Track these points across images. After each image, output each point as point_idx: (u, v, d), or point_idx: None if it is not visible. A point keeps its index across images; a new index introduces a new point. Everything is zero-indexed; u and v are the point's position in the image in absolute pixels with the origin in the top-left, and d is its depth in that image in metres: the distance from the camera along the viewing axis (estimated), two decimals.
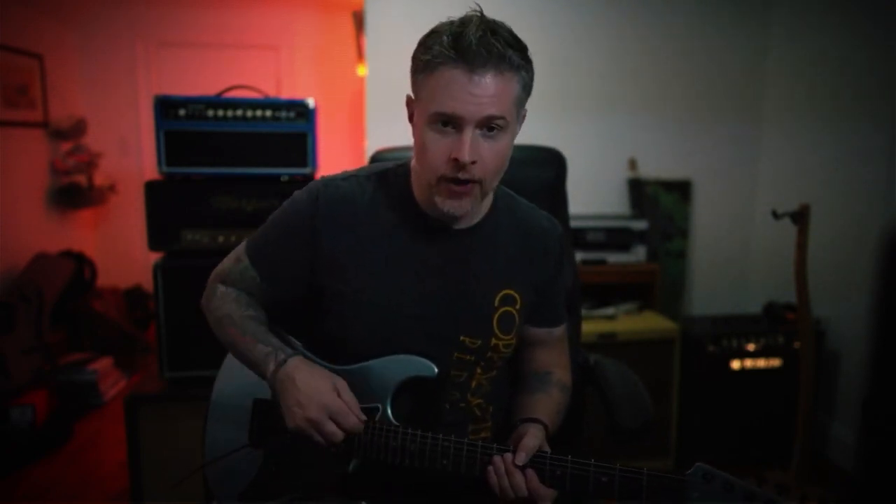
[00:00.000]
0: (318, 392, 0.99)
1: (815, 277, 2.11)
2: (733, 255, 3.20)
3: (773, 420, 2.60)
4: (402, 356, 1.05)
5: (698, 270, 3.20)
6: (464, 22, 0.93)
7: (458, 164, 0.94)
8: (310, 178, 1.98)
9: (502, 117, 0.94)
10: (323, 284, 1.09)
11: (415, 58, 0.97)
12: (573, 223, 1.78)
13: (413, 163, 1.07)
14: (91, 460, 2.68)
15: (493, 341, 1.08)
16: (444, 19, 0.96)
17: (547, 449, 0.99)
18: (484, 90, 0.91)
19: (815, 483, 2.28)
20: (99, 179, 4.03)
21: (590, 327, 2.48)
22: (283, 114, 1.95)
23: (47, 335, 3.14)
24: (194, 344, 1.91)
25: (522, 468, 0.95)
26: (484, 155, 0.95)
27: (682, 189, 3.08)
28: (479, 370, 1.11)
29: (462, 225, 1.08)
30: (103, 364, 3.29)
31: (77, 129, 3.87)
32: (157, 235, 1.93)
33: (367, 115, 2.86)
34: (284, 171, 1.99)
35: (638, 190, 3.02)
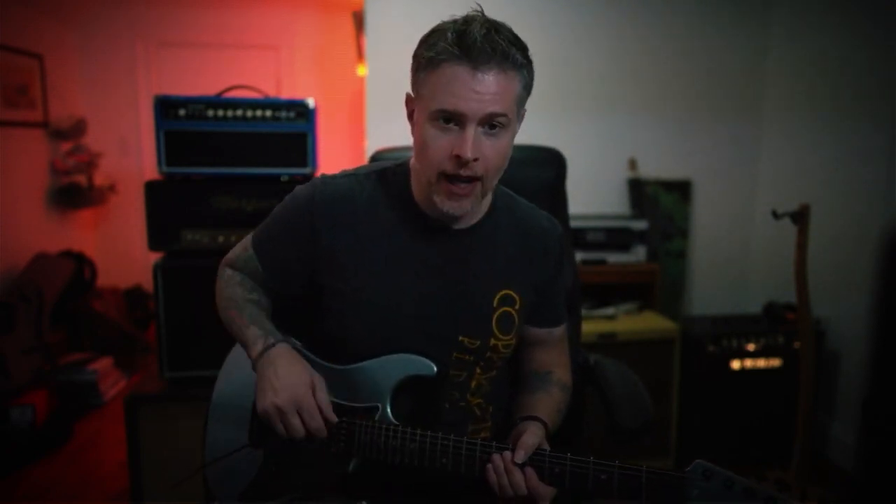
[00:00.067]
0: (293, 384, 1.01)
1: (815, 277, 2.11)
2: (733, 255, 3.20)
3: (773, 420, 2.60)
4: (400, 355, 1.05)
5: (698, 270, 3.20)
6: (467, 20, 0.94)
7: (459, 161, 0.94)
8: (310, 178, 1.97)
9: (504, 115, 0.94)
10: (322, 282, 1.09)
11: (417, 55, 0.97)
12: (573, 223, 1.78)
13: (412, 162, 1.07)
14: (91, 460, 2.68)
15: (493, 341, 1.08)
16: (444, 19, 0.96)
17: (546, 447, 0.99)
18: (487, 87, 0.92)
19: (815, 483, 2.28)
20: (99, 179, 4.03)
21: (590, 327, 2.48)
22: (283, 114, 1.95)
23: (47, 335, 3.14)
24: (194, 344, 1.91)
25: (522, 466, 0.95)
26: (486, 152, 0.95)
27: (682, 189, 3.08)
28: (478, 370, 1.11)
29: (461, 225, 1.08)
30: (103, 364, 3.29)
31: (77, 129, 3.87)
32: (157, 235, 1.93)
33: (367, 115, 2.86)
34: (284, 171, 1.99)
35: (638, 190, 3.02)
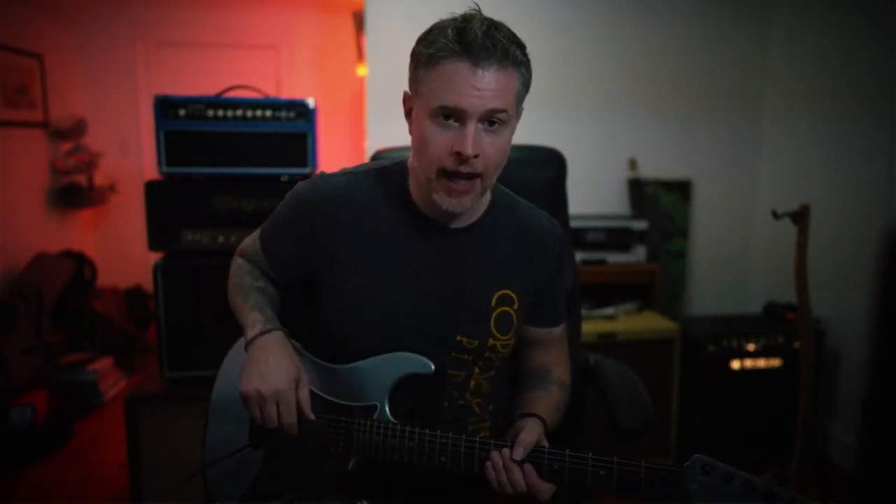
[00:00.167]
0: (278, 374, 1.01)
1: (815, 277, 2.11)
2: (733, 255, 3.20)
3: (773, 420, 2.60)
4: (398, 353, 1.05)
5: (698, 270, 3.20)
6: (466, 18, 0.94)
7: (460, 158, 0.94)
8: (310, 178, 1.98)
9: (504, 111, 0.95)
10: (322, 280, 1.10)
11: (416, 53, 0.97)
12: (573, 223, 1.78)
13: (410, 161, 1.07)
14: (91, 460, 2.68)
15: (491, 341, 1.08)
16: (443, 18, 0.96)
17: (545, 443, 0.99)
18: (487, 84, 0.92)
19: (815, 483, 2.28)
20: (99, 179, 4.03)
21: (590, 327, 2.48)
22: (283, 114, 1.95)
23: (47, 335, 3.14)
24: (194, 344, 1.91)
25: (520, 463, 0.96)
26: (486, 149, 0.95)
27: (682, 189, 3.08)
28: (477, 370, 1.11)
29: (459, 223, 1.08)
30: (103, 364, 3.29)
31: (77, 129, 3.87)
32: (157, 235, 1.93)
33: (367, 115, 2.86)
34: (284, 171, 1.99)
35: (638, 190, 3.02)
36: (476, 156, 0.94)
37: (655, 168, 3.05)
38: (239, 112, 1.93)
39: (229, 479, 1.14)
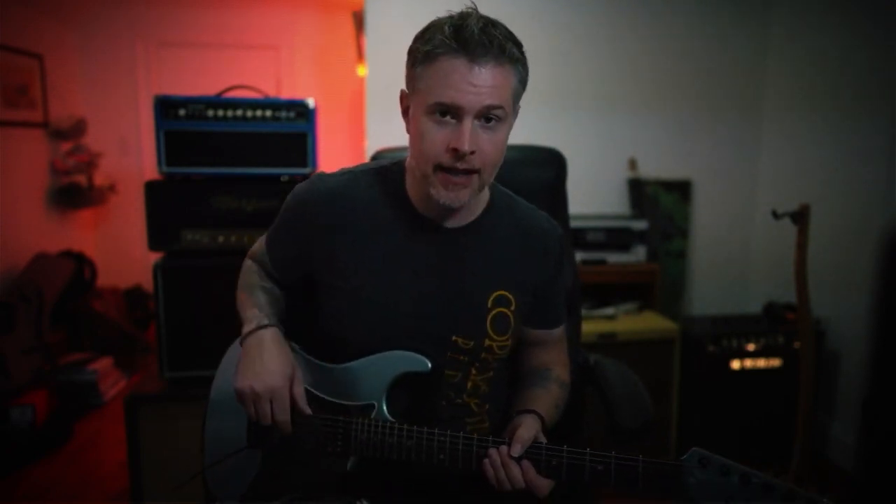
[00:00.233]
0: (273, 371, 1.02)
1: (815, 277, 2.11)
2: (733, 255, 3.20)
3: (773, 420, 2.60)
4: (394, 352, 1.05)
5: (698, 270, 3.20)
6: (463, 15, 0.95)
7: (456, 155, 0.94)
8: (310, 177, 1.98)
9: (501, 107, 0.95)
10: (322, 280, 1.10)
11: (412, 50, 0.97)
12: (573, 223, 1.78)
13: (408, 161, 1.07)
14: (91, 460, 2.68)
15: (487, 342, 1.08)
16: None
17: (542, 440, 0.99)
18: (484, 80, 0.92)
19: (815, 483, 2.28)
20: (99, 179, 4.03)
21: (590, 327, 2.48)
22: (283, 114, 1.95)
23: (47, 335, 3.14)
24: (194, 344, 1.91)
25: (518, 460, 0.96)
26: (482, 146, 0.95)
27: (682, 189, 3.08)
28: (473, 371, 1.10)
29: (456, 223, 1.08)
30: (103, 364, 3.29)
31: (77, 129, 3.87)
32: (157, 235, 1.93)
33: (367, 115, 2.86)
34: (284, 171, 1.99)
35: (638, 190, 3.02)
36: (472, 152, 0.94)
37: (655, 168, 3.05)
38: (239, 112, 1.93)
39: (229, 479, 1.14)
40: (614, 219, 2.91)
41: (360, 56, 3.52)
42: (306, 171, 1.98)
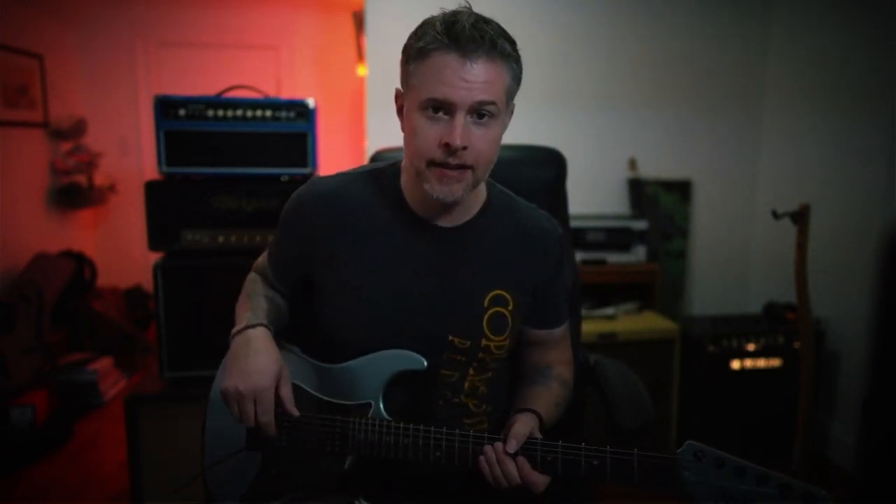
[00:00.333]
0: (259, 371, 1.02)
1: (815, 277, 2.11)
2: (733, 255, 3.20)
3: (773, 420, 2.60)
4: (390, 351, 1.05)
5: (698, 270, 3.20)
6: (455, 12, 0.95)
7: (449, 150, 0.94)
8: (309, 178, 1.98)
9: (493, 103, 0.95)
10: (320, 281, 1.10)
11: (406, 48, 0.98)
12: (573, 223, 1.78)
13: (403, 161, 1.07)
14: (91, 460, 2.68)
15: (484, 342, 1.08)
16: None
17: (538, 436, 0.99)
18: (476, 76, 0.92)
19: (814, 483, 2.28)
20: (99, 179, 4.03)
21: (590, 327, 2.48)
22: (283, 114, 1.95)
23: (47, 335, 3.14)
24: (194, 344, 1.91)
25: (514, 456, 0.96)
26: (475, 142, 0.95)
27: (682, 189, 3.08)
28: (471, 371, 1.10)
29: (451, 223, 1.08)
30: (103, 364, 3.29)
31: (77, 129, 3.87)
32: (157, 235, 1.93)
33: (367, 115, 2.86)
34: (284, 171, 1.99)
35: (638, 190, 3.02)
36: (465, 147, 0.94)
37: (655, 168, 3.05)
38: (239, 112, 1.93)
39: (229, 480, 1.14)
40: (614, 219, 2.91)
41: (360, 56, 3.52)
42: (306, 171, 1.98)
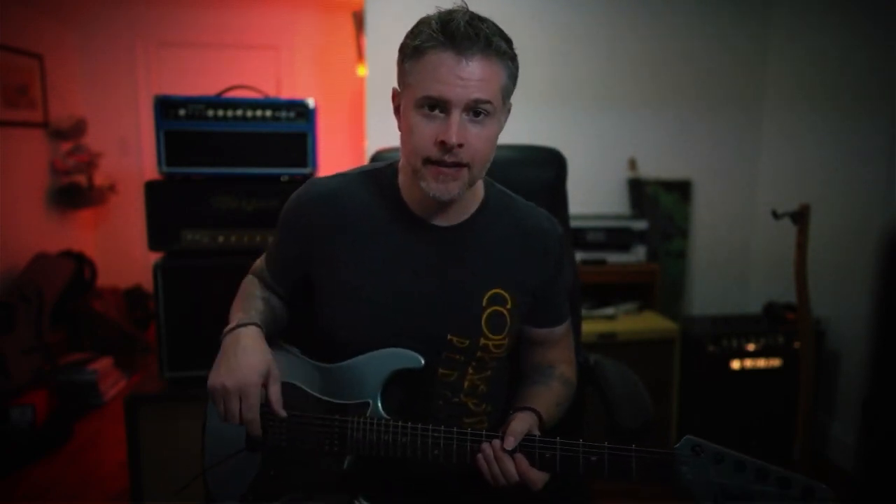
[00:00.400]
0: (247, 368, 1.01)
1: (815, 277, 2.11)
2: (733, 255, 3.20)
3: (773, 420, 2.60)
4: (388, 350, 1.05)
5: (698, 270, 3.20)
6: (451, 11, 0.95)
7: (444, 147, 0.94)
8: (309, 178, 1.98)
9: (489, 101, 0.95)
10: (320, 282, 1.10)
11: (403, 47, 0.98)
12: (573, 223, 1.78)
13: (401, 162, 1.07)
14: (91, 460, 2.68)
15: (483, 341, 1.08)
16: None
17: (536, 433, 0.99)
18: (471, 74, 0.92)
19: None
20: (99, 179, 4.03)
21: (590, 327, 2.48)
22: (283, 114, 1.95)
23: (47, 335, 3.14)
24: (194, 344, 1.91)
25: (511, 453, 0.96)
26: (471, 140, 0.95)
27: (682, 189, 3.08)
28: (470, 370, 1.10)
29: (449, 222, 1.08)
30: (103, 364, 3.29)
31: (77, 129, 3.87)
32: (157, 235, 1.93)
33: (367, 115, 2.86)
34: (284, 171, 1.99)
35: (638, 190, 3.02)
36: (461, 145, 0.94)
37: (655, 168, 3.05)
38: (239, 112, 1.93)
39: (229, 480, 1.14)
40: (614, 219, 2.91)
41: (360, 56, 3.52)
42: (306, 171, 1.98)
